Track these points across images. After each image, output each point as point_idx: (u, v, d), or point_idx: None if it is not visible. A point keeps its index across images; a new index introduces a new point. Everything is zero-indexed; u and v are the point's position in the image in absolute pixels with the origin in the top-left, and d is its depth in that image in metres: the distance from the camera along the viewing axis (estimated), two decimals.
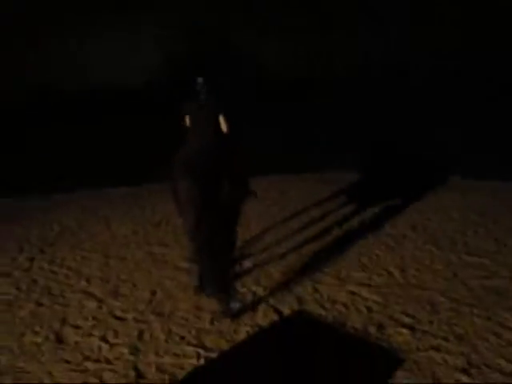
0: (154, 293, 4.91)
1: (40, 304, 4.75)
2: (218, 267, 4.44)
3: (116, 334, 4.12)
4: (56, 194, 9.88)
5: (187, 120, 4.68)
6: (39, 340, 4.06)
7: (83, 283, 5.25)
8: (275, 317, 4.27)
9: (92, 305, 4.70)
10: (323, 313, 4.30)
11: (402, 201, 8.38)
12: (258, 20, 12.93)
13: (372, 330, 3.98)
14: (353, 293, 4.71)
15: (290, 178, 10.41)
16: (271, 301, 4.58)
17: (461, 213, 7.42)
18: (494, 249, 5.84)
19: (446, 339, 3.78)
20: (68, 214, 8.36)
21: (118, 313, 4.51)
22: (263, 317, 4.28)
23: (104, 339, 4.04)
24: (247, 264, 5.51)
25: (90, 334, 4.13)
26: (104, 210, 8.57)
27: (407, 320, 4.12)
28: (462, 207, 7.75)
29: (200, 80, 4.57)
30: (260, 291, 4.81)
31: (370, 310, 4.35)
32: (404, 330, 3.94)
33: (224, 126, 4.51)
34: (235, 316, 4.31)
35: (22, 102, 12.13)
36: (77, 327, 4.26)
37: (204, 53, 13.16)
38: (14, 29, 11.86)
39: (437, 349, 3.66)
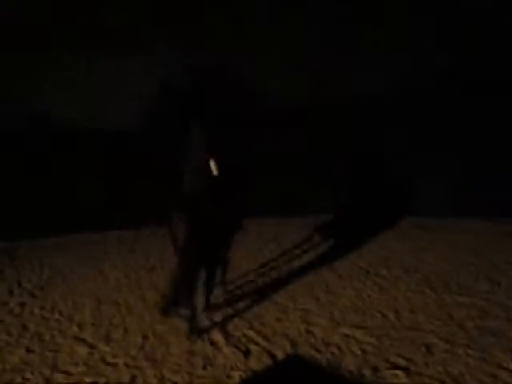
0: (145, 337, 4.84)
1: (30, 350, 4.67)
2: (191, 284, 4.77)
3: (108, 379, 4.04)
4: (47, 237, 9.83)
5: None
6: None
7: (74, 328, 5.18)
8: (269, 361, 4.21)
9: (83, 350, 4.63)
10: (317, 356, 4.25)
11: (394, 241, 8.40)
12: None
13: (367, 372, 3.93)
14: (347, 335, 4.67)
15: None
16: (264, 344, 4.53)
17: (452, 253, 7.42)
18: (488, 288, 5.82)
19: (442, 381, 3.73)
20: (60, 257, 8.31)
21: (110, 358, 4.44)
22: (257, 361, 4.22)
23: None
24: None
25: (81, 381, 4.05)
26: (96, 253, 8.52)
27: (402, 362, 4.07)
28: (453, 247, 7.76)
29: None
30: (253, 335, 4.76)
31: (364, 352, 4.30)
32: (399, 373, 3.89)
33: (214, 170, 4.79)
34: (200, 334, 4.74)
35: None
36: (67, 373, 4.18)
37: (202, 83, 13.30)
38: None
39: None
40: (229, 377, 3.98)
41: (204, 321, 4.86)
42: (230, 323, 5.08)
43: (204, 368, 4.15)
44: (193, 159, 4.96)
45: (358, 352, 4.30)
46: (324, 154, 11.74)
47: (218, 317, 5.26)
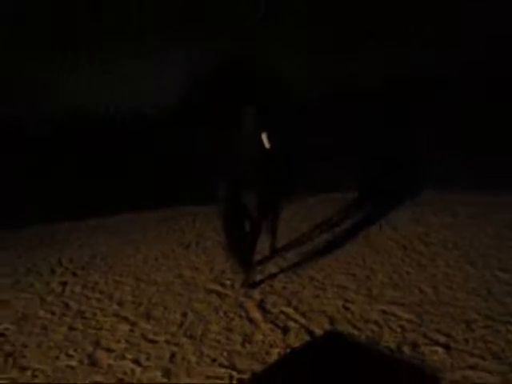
0: (185, 315, 4.91)
1: (73, 328, 4.79)
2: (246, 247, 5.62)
3: (148, 356, 4.13)
4: (86, 219, 10.01)
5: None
6: (73, 363, 4.10)
7: (115, 307, 5.29)
8: (307, 338, 4.24)
9: (124, 328, 4.72)
10: (356, 332, 4.25)
11: (432, 216, 8.30)
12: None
13: (406, 349, 3.92)
14: (385, 312, 4.65)
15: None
16: (302, 321, 4.55)
17: (493, 228, 7.30)
18: None
19: (482, 357, 3.70)
20: (99, 238, 8.45)
21: (150, 336, 4.53)
22: (295, 338, 4.25)
23: (137, 362, 4.05)
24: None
25: (123, 357, 4.14)
26: (134, 233, 8.64)
27: (442, 338, 4.05)
28: (493, 223, 7.62)
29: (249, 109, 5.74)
30: (291, 312, 4.79)
31: (403, 328, 4.28)
32: (439, 349, 3.87)
33: (267, 143, 5.68)
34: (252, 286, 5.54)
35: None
36: (110, 350, 4.28)
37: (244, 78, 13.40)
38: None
39: (473, 367, 3.58)
40: (267, 353, 4.02)
41: (255, 275, 5.77)
42: (268, 300, 5.12)
43: (243, 345, 4.20)
44: (246, 138, 5.82)
45: (397, 328, 4.28)
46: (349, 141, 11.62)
47: (255, 294, 5.32)
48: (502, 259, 5.94)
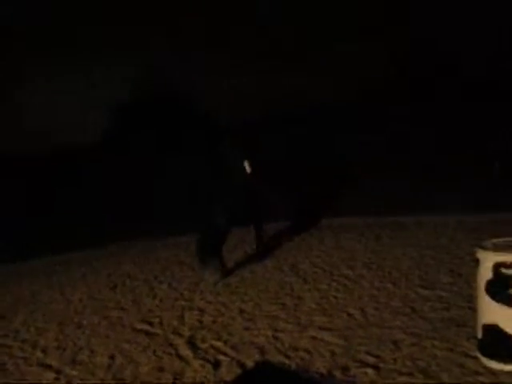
0: (112, 357, 4.75)
1: None
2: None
3: None
4: (6, 262, 9.65)
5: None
6: None
7: (39, 354, 5.07)
8: (238, 370, 4.18)
9: (49, 376, 4.52)
10: (286, 361, 4.24)
11: (354, 241, 8.48)
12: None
13: (337, 373, 3.93)
14: (315, 338, 4.67)
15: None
16: (233, 354, 4.50)
17: (413, 248, 7.52)
18: (450, 280, 5.92)
19: (411, 375, 3.76)
20: (21, 283, 8.13)
21: (77, 382, 4.35)
22: (226, 372, 4.18)
23: None
24: None
25: None
26: (58, 275, 8.38)
27: (371, 360, 4.09)
28: (414, 243, 7.87)
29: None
30: (221, 346, 4.73)
31: (333, 353, 4.30)
32: (369, 370, 3.90)
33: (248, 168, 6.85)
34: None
35: None
36: None
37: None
38: None
39: None
40: None
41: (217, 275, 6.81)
42: (197, 335, 5.05)
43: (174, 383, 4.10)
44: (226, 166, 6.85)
45: (327, 354, 4.30)
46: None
47: (185, 330, 5.24)
48: (423, 277, 6.12)
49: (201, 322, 5.47)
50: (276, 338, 4.75)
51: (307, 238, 9.28)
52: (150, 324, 5.59)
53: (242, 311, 5.66)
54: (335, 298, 5.76)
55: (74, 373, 4.54)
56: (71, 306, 6.63)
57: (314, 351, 4.38)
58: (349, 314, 5.18)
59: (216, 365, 4.32)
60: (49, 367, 4.73)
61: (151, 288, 7.08)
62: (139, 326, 5.55)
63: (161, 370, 4.38)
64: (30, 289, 7.70)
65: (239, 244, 8.59)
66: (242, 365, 4.27)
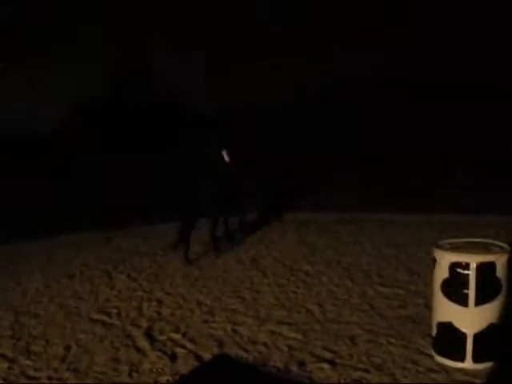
0: (68, 348, 4.68)
1: None
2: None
3: None
4: None
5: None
6: None
7: None
8: (195, 363, 4.17)
9: (2, 365, 4.42)
10: (244, 355, 4.24)
11: (316, 237, 8.55)
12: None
13: (294, 367, 3.95)
14: (273, 332, 4.69)
15: None
16: (191, 347, 4.48)
17: (374, 246, 7.62)
18: (407, 278, 6.01)
19: (366, 371, 3.80)
20: None
21: (31, 372, 4.27)
22: (183, 364, 4.16)
23: None
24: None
25: None
26: (14, 264, 8.21)
27: (328, 355, 4.13)
28: (374, 241, 7.97)
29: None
30: (179, 338, 4.70)
31: (290, 348, 4.33)
32: (325, 366, 3.94)
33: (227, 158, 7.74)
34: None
35: None
36: None
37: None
38: None
39: (358, 381, 3.67)
40: (156, 382, 3.91)
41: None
42: (155, 327, 5.01)
43: (130, 375, 4.06)
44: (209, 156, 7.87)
45: (285, 348, 4.32)
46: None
47: (142, 322, 5.19)
48: (382, 275, 6.20)
49: (159, 313, 5.43)
50: (235, 332, 4.75)
51: (269, 231, 9.31)
52: (108, 314, 5.52)
53: (200, 304, 5.64)
54: (294, 293, 5.80)
55: (29, 363, 4.45)
56: (27, 294, 6.50)
57: (272, 345, 4.40)
58: (307, 310, 5.22)
59: (173, 357, 4.30)
60: (2, 356, 4.63)
61: (110, 278, 7.00)
62: (96, 317, 5.48)
63: (117, 361, 4.34)
64: None
65: (202, 235, 8.55)
66: (199, 357, 4.26)
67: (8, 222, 10.63)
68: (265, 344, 4.44)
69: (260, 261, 7.27)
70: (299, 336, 4.56)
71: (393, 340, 4.31)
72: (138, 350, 4.51)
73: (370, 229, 8.96)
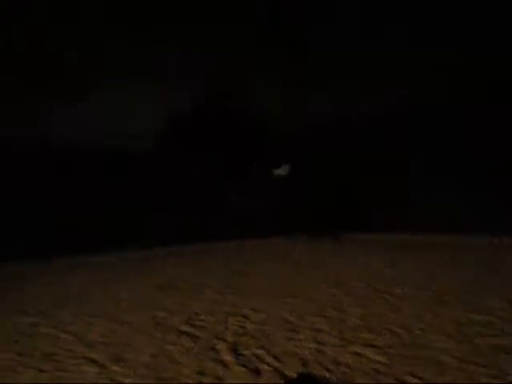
0: (155, 357, 4.82)
1: (41, 370, 4.67)
2: None
3: None
4: (58, 258, 9.89)
5: None
6: None
7: (85, 348, 5.17)
8: (280, 380, 4.18)
9: (93, 370, 4.61)
10: (327, 375, 4.21)
11: (403, 259, 8.35)
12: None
13: None
14: (358, 354, 4.63)
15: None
16: (275, 364, 4.50)
17: (464, 270, 7.36)
18: (503, 306, 5.76)
19: None
20: (72, 278, 8.34)
21: (119, 378, 4.42)
22: (267, 381, 4.18)
23: None
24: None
25: None
26: (108, 274, 8.54)
27: (414, 381, 4.02)
28: (463, 264, 7.70)
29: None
30: (263, 354, 4.73)
31: (375, 371, 4.25)
32: None
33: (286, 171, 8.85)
34: None
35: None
36: None
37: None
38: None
39: None
40: None
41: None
42: (240, 342, 5.06)
43: None
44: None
45: (369, 371, 4.25)
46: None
47: (228, 336, 5.26)
48: (475, 301, 5.98)
49: (244, 328, 5.49)
50: (319, 351, 4.73)
51: (354, 251, 9.20)
52: (194, 327, 5.64)
53: (285, 321, 5.66)
54: (381, 315, 5.69)
55: (117, 369, 4.62)
56: (118, 303, 6.76)
57: (356, 367, 4.34)
58: (394, 333, 5.11)
59: (257, 373, 4.33)
60: (93, 361, 4.84)
61: (199, 291, 7.15)
62: (184, 328, 5.62)
63: (202, 373, 4.42)
64: (79, 284, 7.89)
65: (285, 253, 8.58)
66: (283, 375, 4.27)
67: (115, 234, 11.08)
68: (349, 366, 4.39)
69: (345, 281, 7.20)
70: (384, 359, 4.47)
71: (483, 370, 4.14)
72: (223, 363, 4.58)
73: (458, 252, 8.66)
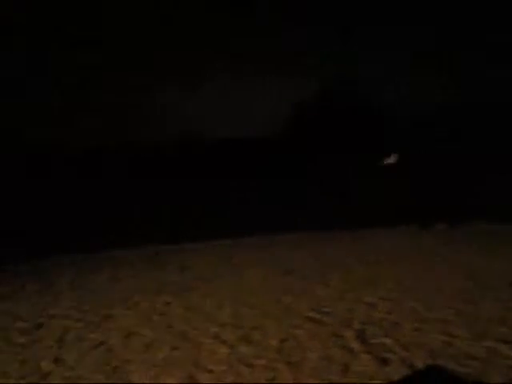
0: (283, 341, 4.93)
1: (175, 348, 4.93)
2: None
3: (246, 380, 4.17)
4: (189, 242, 10.32)
5: None
6: (174, 382, 4.21)
7: (215, 329, 5.39)
8: (407, 371, 4.13)
9: (223, 350, 4.81)
10: (458, 368, 4.10)
11: None
12: None
13: None
14: (490, 348, 4.46)
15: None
16: (402, 353, 4.45)
17: None
18: None
19: None
20: (203, 261, 8.68)
21: (249, 359, 4.57)
22: (395, 370, 4.15)
23: None
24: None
25: (222, 379, 4.21)
26: (237, 257, 8.80)
27: None
28: None
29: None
30: (390, 343, 4.69)
31: (510, 368, 4.08)
32: None
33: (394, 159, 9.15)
34: None
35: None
36: (209, 371, 4.37)
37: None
38: None
39: None
40: None
41: None
42: (367, 330, 5.05)
43: (341, 374, 4.16)
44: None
45: (503, 367, 4.09)
46: None
47: (355, 323, 5.27)
48: None
49: (371, 317, 5.46)
50: (448, 344, 4.61)
51: (492, 241, 8.81)
52: (321, 313, 5.69)
53: (413, 311, 5.56)
54: None
55: (247, 351, 4.78)
56: (246, 286, 6.95)
57: (489, 362, 4.18)
58: None
59: (384, 362, 4.31)
60: (223, 342, 5.03)
61: (324, 277, 7.19)
62: (310, 314, 5.68)
63: (329, 359, 4.47)
64: (211, 267, 8.19)
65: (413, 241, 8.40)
66: (410, 365, 4.22)
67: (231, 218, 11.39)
68: (481, 360, 4.24)
69: (478, 272, 6.92)
70: None
71: None
72: (350, 350, 4.60)
73: None
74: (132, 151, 13.19)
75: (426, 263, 7.51)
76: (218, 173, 12.81)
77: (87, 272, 8.20)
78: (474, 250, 8.37)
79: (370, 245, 9.33)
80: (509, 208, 10.25)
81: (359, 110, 14.76)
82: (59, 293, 7.00)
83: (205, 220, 11.31)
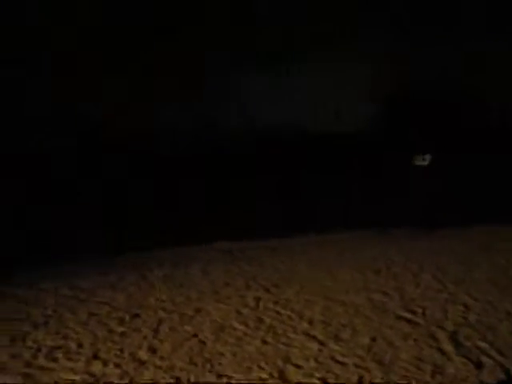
0: (373, 340, 4.90)
1: (265, 342, 5.01)
2: None
3: (336, 377, 4.19)
4: (285, 238, 10.37)
5: None
6: (264, 376, 4.29)
7: (305, 325, 5.43)
8: (503, 376, 4.01)
9: (313, 347, 4.83)
10: None
11: None
12: None
13: None
14: None
15: None
16: (498, 358, 4.31)
17: None
18: None
19: None
20: (293, 258, 8.72)
21: (339, 357, 4.58)
22: (489, 375, 4.04)
23: (324, 382, 4.13)
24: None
25: (311, 375, 4.25)
26: (328, 254, 8.80)
27: None
28: None
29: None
30: (486, 347, 4.56)
31: None
32: None
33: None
34: None
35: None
36: (299, 367, 4.41)
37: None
38: None
39: None
40: None
41: None
42: (461, 332, 4.93)
43: (433, 376, 4.09)
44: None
45: None
46: None
47: (448, 325, 5.15)
48: None
49: (465, 318, 5.32)
50: None
51: None
52: (413, 313, 5.60)
53: (510, 314, 5.36)
54: None
55: (337, 348, 4.79)
56: (336, 284, 6.93)
57: None
58: None
59: (479, 366, 4.19)
60: (313, 338, 5.06)
61: (415, 276, 7.06)
62: (401, 313, 5.61)
63: (420, 360, 4.40)
64: (296, 265, 8.22)
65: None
66: (506, 370, 4.08)
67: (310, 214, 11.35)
68: None
69: None
70: None
71: None
72: (443, 352, 4.51)
73: None
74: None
75: None
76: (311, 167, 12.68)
77: (180, 266, 8.42)
78: None
79: (464, 244, 9.04)
80: None
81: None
82: (153, 285, 7.25)
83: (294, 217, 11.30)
